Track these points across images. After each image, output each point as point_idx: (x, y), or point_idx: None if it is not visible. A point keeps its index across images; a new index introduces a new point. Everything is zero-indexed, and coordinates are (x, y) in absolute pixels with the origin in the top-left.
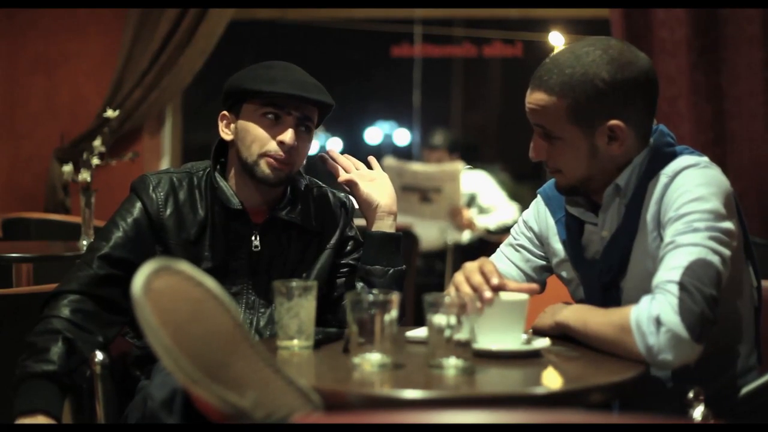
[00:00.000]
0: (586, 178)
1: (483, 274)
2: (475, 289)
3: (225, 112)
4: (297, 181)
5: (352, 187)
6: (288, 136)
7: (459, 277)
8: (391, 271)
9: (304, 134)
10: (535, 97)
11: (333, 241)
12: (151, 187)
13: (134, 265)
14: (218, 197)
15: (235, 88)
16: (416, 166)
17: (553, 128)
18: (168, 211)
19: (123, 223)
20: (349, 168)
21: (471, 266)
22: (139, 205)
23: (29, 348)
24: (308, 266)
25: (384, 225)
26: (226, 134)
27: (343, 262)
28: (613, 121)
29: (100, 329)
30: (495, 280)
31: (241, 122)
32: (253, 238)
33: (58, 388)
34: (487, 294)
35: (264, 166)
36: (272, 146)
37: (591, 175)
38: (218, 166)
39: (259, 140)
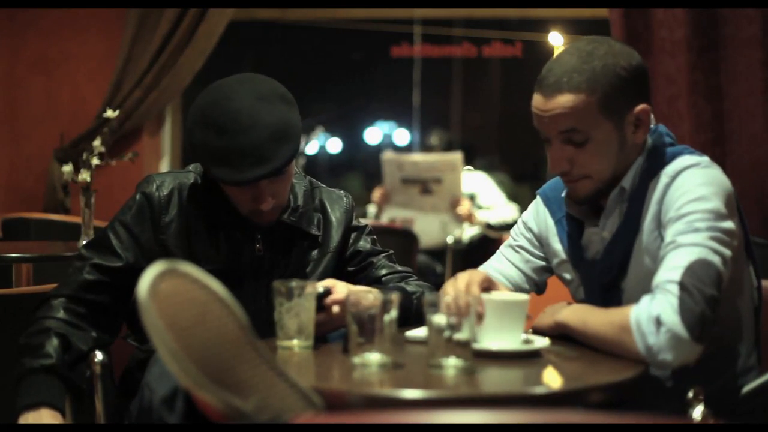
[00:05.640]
0: (612, 176)
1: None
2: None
3: None
4: (294, 187)
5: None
6: (261, 204)
7: (448, 291)
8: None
9: (279, 179)
10: (559, 102)
11: (334, 245)
12: (155, 187)
13: (125, 272)
14: (220, 205)
15: (195, 158)
16: (416, 157)
17: (584, 127)
18: (171, 213)
19: (120, 228)
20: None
21: (460, 285)
22: (142, 204)
23: (24, 348)
24: (311, 270)
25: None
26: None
27: (351, 251)
28: (640, 106)
29: (93, 327)
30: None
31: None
32: (256, 242)
33: (58, 381)
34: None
35: (254, 218)
36: (251, 208)
37: (616, 172)
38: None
39: (239, 204)
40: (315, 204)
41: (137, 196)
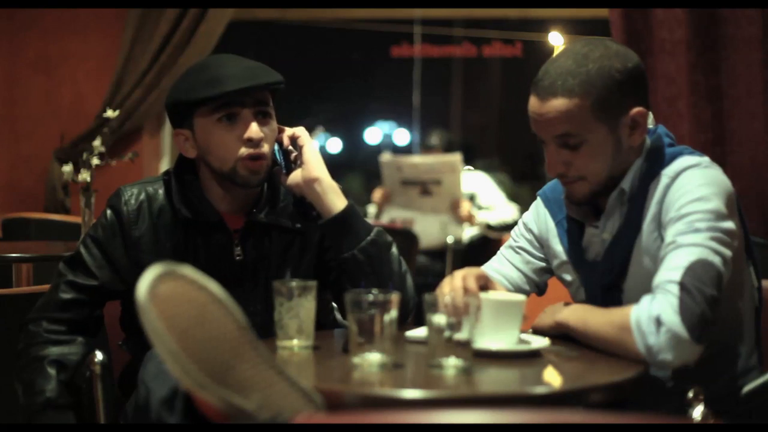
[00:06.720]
0: (608, 178)
1: (466, 290)
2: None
3: (178, 130)
4: (275, 178)
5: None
6: (253, 130)
7: (446, 290)
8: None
9: (266, 121)
10: (553, 105)
11: (315, 239)
12: (123, 201)
13: (100, 289)
14: (194, 209)
15: (179, 102)
16: (415, 159)
17: (579, 131)
18: (141, 227)
19: (93, 246)
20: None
21: (457, 283)
22: (112, 220)
23: (21, 386)
24: (293, 267)
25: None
26: (189, 152)
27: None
28: (635, 109)
29: (79, 335)
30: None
31: (199, 135)
32: (234, 247)
33: (59, 413)
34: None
35: (242, 170)
36: (242, 149)
37: (612, 174)
38: (186, 177)
39: (227, 148)
40: (294, 198)
41: (107, 212)
